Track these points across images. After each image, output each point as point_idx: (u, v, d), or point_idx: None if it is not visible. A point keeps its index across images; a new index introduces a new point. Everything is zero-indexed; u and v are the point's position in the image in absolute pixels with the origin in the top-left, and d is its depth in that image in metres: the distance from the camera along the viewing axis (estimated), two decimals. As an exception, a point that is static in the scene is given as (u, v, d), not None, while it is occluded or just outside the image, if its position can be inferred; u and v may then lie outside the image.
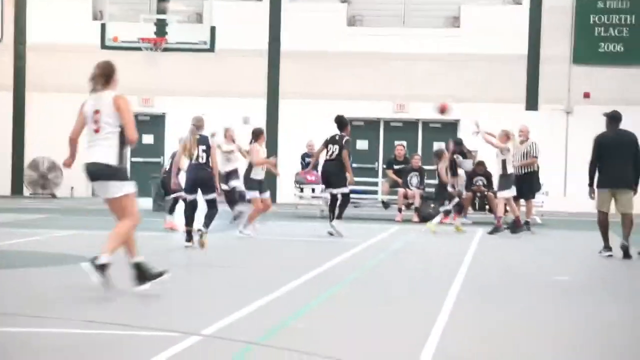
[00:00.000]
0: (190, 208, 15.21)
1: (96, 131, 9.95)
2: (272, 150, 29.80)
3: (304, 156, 25.76)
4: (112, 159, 9.90)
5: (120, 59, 29.71)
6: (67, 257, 13.67)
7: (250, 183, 17.39)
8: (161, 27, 26.78)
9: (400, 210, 23.03)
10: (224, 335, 7.90)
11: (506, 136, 19.40)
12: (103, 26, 26.69)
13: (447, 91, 29.41)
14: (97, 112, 9.98)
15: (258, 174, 17.39)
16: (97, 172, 9.93)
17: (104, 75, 10.13)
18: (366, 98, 29.78)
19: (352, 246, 15.89)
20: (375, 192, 25.16)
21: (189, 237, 15.10)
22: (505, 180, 19.28)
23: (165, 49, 26.67)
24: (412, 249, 16.62)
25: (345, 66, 29.81)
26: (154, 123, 30.41)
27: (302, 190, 24.80)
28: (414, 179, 23.52)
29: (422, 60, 29.61)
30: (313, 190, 24.69)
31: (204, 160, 15.09)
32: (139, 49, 26.68)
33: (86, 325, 8.25)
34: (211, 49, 26.69)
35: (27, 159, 30.25)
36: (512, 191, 19.24)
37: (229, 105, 29.27)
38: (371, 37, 29.95)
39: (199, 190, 15.22)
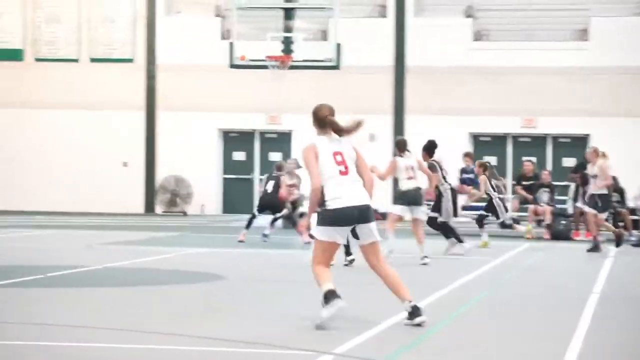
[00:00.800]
0: None
1: (344, 173, 9.43)
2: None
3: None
4: (370, 201, 9.50)
5: (248, 77, 30.53)
6: (198, 274, 13.89)
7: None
8: (288, 45, 26.99)
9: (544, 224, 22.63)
10: (355, 355, 7.90)
11: (595, 153, 18.78)
12: (231, 45, 27.05)
13: (577, 105, 28.94)
14: (339, 153, 9.50)
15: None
16: (364, 215, 9.39)
17: (334, 116, 9.74)
18: (493, 113, 29.52)
19: (481, 264, 15.74)
20: (505, 209, 24.74)
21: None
22: (605, 200, 18.69)
23: (292, 67, 26.86)
24: (543, 266, 16.35)
25: (471, 81, 29.62)
26: (281, 140, 30.71)
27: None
28: (544, 195, 23.12)
29: (550, 74, 29.20)
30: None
31: None
32: (265, 67, 26.94)
33: (219, 343, 8.35)
34: (337, 66, 26.78)
35: (159, 177, 30.87)
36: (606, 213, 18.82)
37: (355, 121, 29.26)
38: (497, 52, 29.69)
39: None
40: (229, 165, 31.28)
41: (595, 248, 18.41)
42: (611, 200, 19.12)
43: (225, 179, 31.22)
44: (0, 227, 23.32)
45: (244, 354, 7.99)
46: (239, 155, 31.29)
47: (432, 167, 17.51)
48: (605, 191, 18.61)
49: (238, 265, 15.57)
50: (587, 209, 18.83)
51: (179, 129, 30.77)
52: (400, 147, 16.25)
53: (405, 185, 15.88)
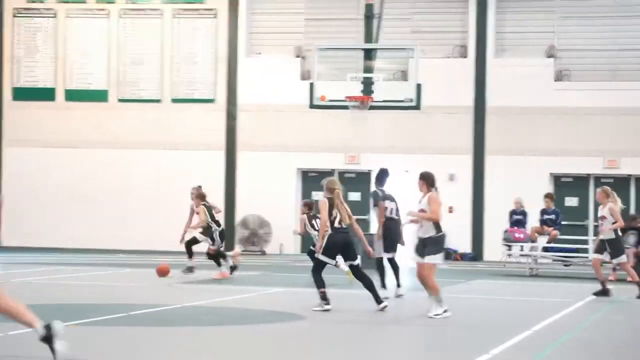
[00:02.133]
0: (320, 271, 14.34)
1: None
2: (479, 206, 29.62)
3: (512, 213, 25.40)
4: None
5: (328, 117, 30.65)
6: (278, 314, 13.89)
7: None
8: (367, 85, 27.06)
9: (614, 269, 22.28)
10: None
11: (605, 193, 17.66)
12: (311, 85, 27.20)
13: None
14: None
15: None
16: None
17: None
18: (575, 154, 29.20)
19: (564, 306, 15.49)
20: (586, 250, 24.48)
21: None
22: (615, 245, 17.45)
23: (372, 107, 26.91)
24: (627, 308, 16.04)
25: (552, 121, 29.36)
26: (360, 180, 30.70)
27: (510, 248, 24.41)
28: (630, 237, 22.66)
29: (634, 114, 28.83)
30: (521, 248, 24.27)
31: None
32: (345, 107, 27.04)
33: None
34: (417, 106, 26.74)
35: (238, 216, 31.02)
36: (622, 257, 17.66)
37: (433, 162, 29.24)
38: (579, 92, 29.41)
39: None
40: (307, 205, 31.26)
41: (603, 292, 17.34)
42: (621, 243, 18.11)
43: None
44: (83, 265, 23.65)
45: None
46: (318, 195, 31.30)
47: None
48: (613, 235, 17.39)
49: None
50: (594, 254, 17.86)
51: (258, 169, 30.94)
52: (432, 182, 14.00)
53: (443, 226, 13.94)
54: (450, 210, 28.63)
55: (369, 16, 29.85)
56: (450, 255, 29.07)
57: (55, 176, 31.64)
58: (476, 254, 29.46)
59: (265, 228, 30.76)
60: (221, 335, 11.71)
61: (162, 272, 20.02)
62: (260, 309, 14.53)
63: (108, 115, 31.82)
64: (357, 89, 27.04)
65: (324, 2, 31.33)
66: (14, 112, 32.17)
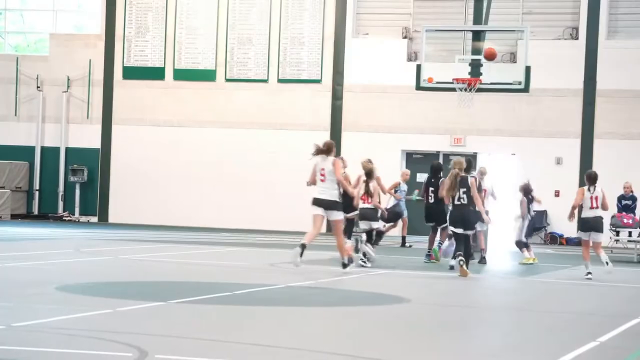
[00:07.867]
0: None
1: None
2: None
3: (620, 198, 24.92)
4: None
5: (434, 99, 30.36)
6: (384, 296, 13.87)
7: None
8: (475, 68, 26.73)
9: None
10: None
11: None
12: (418, 67, 27.00)
13: None
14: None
15: None
16: None
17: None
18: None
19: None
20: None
21: None
22: None
23: (479, 89, 26.59)
24: None
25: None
26: (466, 163, 30.40)
27: (617, 233, 23.98)
28: None
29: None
30: (630, 234, 23.82)
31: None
32: (452, 89, 26.78)
33: None
34: (525, 89, 26.33)
35: (342, 196, 30.96)
36: None
37: (540, 145, 28.92)
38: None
39: None
40: (412, 186, 31.15)
41: None
42: None
43: (411, 200, 31.06)
44: (188, 243, 23.96)
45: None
46: (422, 177, 31.13)
47: None
48: None
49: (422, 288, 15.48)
50: None
51: (363, 149, 30.85)
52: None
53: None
54: (557, 194, 28.27)
55: (478, -3, 29.52)
56: (555, 239, 28.73)
57: (162, 154, 32.07)
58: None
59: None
60: (325, 316, 11.73)
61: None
62: (366, 291, 14.51)
63: (215, 95, 32.12)
64: (464, 71, 26.73)
65: (432, -17, 31.08)
66: (124, 91, 32.70)
